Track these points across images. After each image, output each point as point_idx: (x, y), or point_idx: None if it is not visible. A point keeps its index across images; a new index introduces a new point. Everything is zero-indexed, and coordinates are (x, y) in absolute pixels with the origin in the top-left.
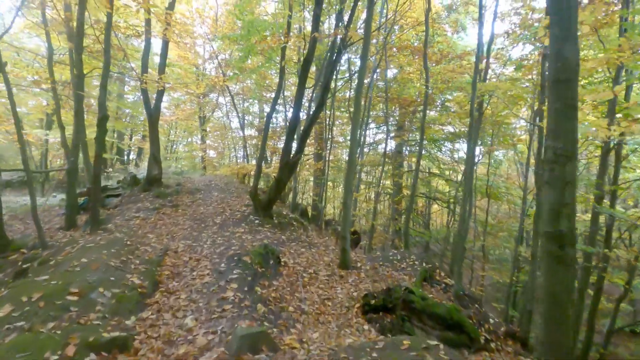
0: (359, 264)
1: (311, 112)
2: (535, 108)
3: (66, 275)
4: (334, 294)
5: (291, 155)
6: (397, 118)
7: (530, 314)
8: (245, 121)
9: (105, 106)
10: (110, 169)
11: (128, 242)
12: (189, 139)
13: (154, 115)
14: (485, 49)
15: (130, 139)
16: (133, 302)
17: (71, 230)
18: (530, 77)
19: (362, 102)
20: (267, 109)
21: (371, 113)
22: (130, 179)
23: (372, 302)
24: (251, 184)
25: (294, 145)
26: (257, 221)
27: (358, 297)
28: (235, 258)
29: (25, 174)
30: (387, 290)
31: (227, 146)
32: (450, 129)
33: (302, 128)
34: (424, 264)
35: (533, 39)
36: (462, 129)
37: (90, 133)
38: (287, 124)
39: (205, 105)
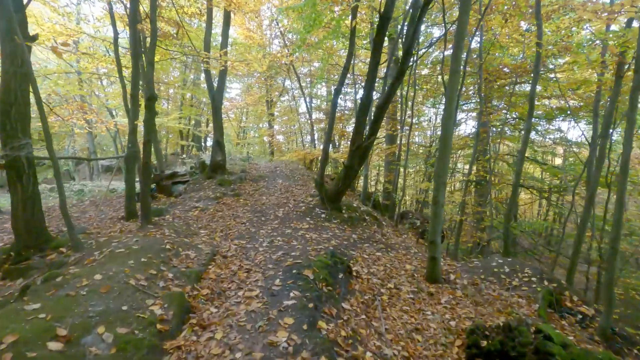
0: (451, 276)
1: (387, 87)
2: None
3: (63, 304)
4: (423, 321)
5: (363, 138)
6: (483, 93)
7: None
8: (313, 105)
9: (152, 86)
10: (184, 155)
11: (168, 246)
12: (259, 125)
13: (216, 99)
14: None
15: (207, 125)
16: (142, 351)
17: (130, 221)
18: None
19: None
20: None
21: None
22: (200, 165)
23: (484, 344)
24: (317, 171)
25: (366, 127)
26: (323, 215)
27: (458, 329)
28: (294, 271)
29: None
30: (507, 328)
31: (294, 131)
32: (546, 103)
33: (375, 106)
34: (545, 282)
35: None
36: (572, 104)
37: (158, 119)
38: (357, 105)
39: (272, 90)
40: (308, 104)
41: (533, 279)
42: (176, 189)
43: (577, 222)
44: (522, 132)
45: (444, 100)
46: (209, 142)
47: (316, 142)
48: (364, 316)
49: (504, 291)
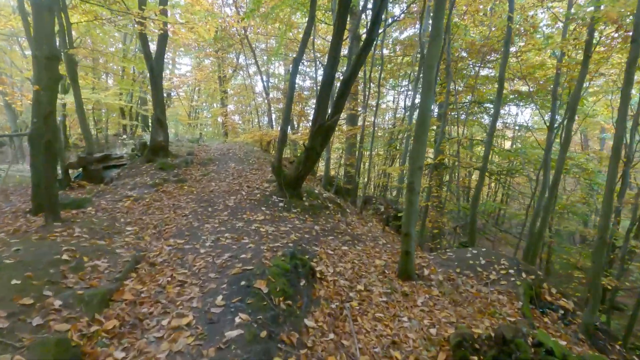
0: (425, 271)
1: (353, 59)
2: None
3: None
4: (400, 331)
5: (326, 116)
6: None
7: None
8: (270, 84)
9: (52, 41)
10: (125, 136)
11: (65, 256)
12: (213, 104)
13: (155, 69)
14: None
15: None
16: None
17: (38, 216)
18: None
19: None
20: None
21: (407, 72)
22: (140, 146)
23: None
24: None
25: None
26: (281, 204)
27: (440, 338)
28: (243, 283)
29: None
30: (501, 340)
31: (250, 110)
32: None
33: (340, 81)
34: (523, 274)
35: None
36: (526, 89)
37: (89, 94)
38: (317, 86)
39: (225, 66)
40: (265, 82)
41: (510, 271)
42: (108, 174)
43: (534, 205)
44: (491, 113)
45: (404, 82)
46: None
47: (273, 122)
48: (332, 335)
49: (483, 287)
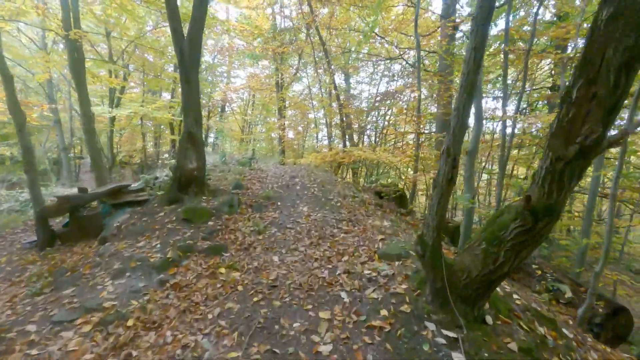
0: None
1: None
2: None
3: None
4: None
5: (582, 127)
6: None
7: None
8: (329, 94)
9: None
10: (167, 155)
11: None
12: (267, 118)
13: (187, 52)
14: None
15: (208, 118)
16: None
17: None
18: None
19: None
20: (355, 82)
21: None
22: (174, 171)
23: None
24: (352, 178)
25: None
26: (458, 353)
27: None
28: None
29: None
30: None
31: (310, 121)
32: None
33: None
34: None
35: None
36: None
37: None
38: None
39: (284, 69)
40: (330, 86)
41: None
42: (110, 222)
43: None
44: None
45: None
46: (211, 139)
47: (345, 138)
48: None
49: None
